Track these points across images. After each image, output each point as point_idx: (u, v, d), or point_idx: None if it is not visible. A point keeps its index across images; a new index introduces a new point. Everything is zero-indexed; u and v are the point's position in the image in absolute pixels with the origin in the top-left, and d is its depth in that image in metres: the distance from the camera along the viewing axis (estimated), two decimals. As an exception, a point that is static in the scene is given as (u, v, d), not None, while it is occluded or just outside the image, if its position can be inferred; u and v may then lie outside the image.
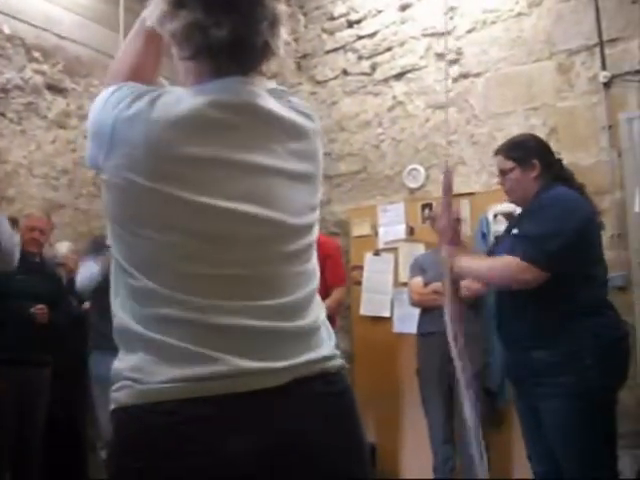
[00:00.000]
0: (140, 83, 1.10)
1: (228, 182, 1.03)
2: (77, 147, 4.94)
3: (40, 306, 3.83)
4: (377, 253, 4.86)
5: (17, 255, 3.48)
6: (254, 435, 0.95)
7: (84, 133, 4.98)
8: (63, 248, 4.48)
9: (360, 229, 4.89)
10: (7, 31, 4.56)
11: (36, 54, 4.76)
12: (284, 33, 1.12)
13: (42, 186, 4.73)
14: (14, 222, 4.11)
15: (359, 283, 4.82)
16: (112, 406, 1.02)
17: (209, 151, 1.02)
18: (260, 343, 1.01)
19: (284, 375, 1.00)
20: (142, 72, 1.17)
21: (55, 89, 4.88)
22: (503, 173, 2.70)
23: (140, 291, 1.01)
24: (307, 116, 1.16)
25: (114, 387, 1.02)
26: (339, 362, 1.11)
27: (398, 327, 4.65)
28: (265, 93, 1.12)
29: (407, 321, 4.52)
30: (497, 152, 2.77)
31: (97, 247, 3.85)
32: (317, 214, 1.17)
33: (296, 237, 1.09)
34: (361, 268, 4.83)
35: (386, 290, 4.75)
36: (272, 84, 1.21)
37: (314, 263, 1.15)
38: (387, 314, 4.71)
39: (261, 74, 1.14)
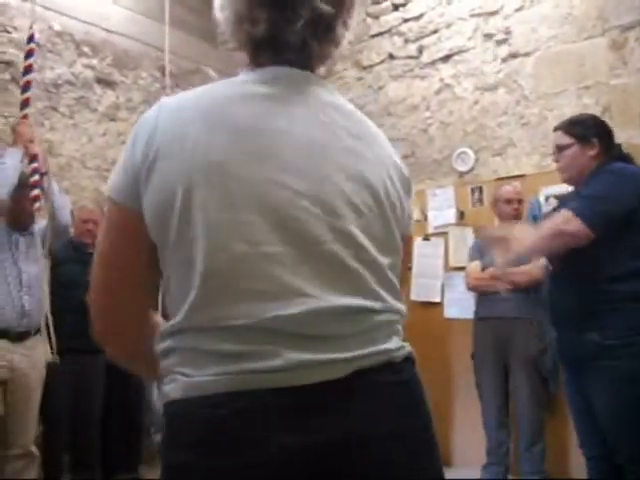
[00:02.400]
0: None
1: (277, 156, 0.99)
2: (127, 139, 5.01)
3: (95, 295, 3.91)
4: (427, 238, 4.82)
5: (69, 217, 3.59)
6: (309, 429, 0.90)
7: (134, 124, 5.07)
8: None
9: (409, 214, 4.85)
10: (57, 28, 4.66)
11: (85, 49, 4.85)
12: (339, 33, 1.08)
13: (94, 178, 4.83)
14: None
15: (409, 268, 4.79)
16: (163, 400, 0.99)
17: (253, 123, 1.00)
18: (317, 339, 0.94)
19: (344, 367, 0.94)
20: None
21: (104, 82, 4.97)
22: (560, 149, 2.64)
23: (185, 288, 0.97)
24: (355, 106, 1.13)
25: (164, 381, 0.99)
26: (406, 351, 1.05)
27: (449, 312, 4.62)
28: (309, 78, 1.09)
29: (458, 306, 4.50)
30: (556, 128, 2.71)
31: None
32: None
33: (353, 219, 1.01)
34: (411, 253, 4.80)
35: (436, 275, 4.71)
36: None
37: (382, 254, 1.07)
38: (437, 299, 4.68)
39: (311, 69, 1.11)
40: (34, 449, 3.44)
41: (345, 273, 0.98)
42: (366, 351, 0.96)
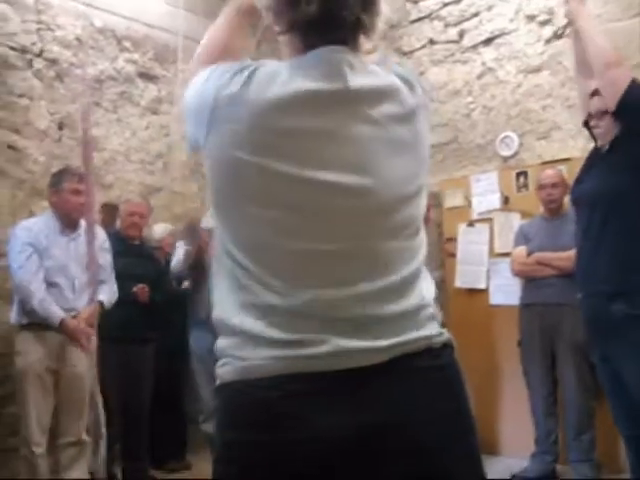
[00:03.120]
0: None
1: (327, 153, 1.01)
2: (170, 132, 5.07)
3: (141, 285, 3.98)
4: (471, 224, 4.76)
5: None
6: (350, 413, 0.95)
7: (176, 118, 5.13)
8: (160, 230, 4.63)
9: (453, 200, 4.80)
10: (98, 24, 4.72)
11: (127, 44, 4.91)
12: (384, 9, 1.10)
13: (138, 171, 4.90)
14: (114, 208, 4.29)
15: (453, 255, 4.74)
16: (217, 382, 1.04)
17: (307, 123, 1.01)
18: (363, 326, 0.99)
19: (386, 353, 0.99)
20: (232, 52, 1.17)
21: (146, 77, 5.03)
22: (599, 115, 2.57)
23: (241, 272, 1.02)
24: (408, 83, 1.11)
25: (218, 364, 1.04)
26: (445, 337, 1.07)
27: (494, 299, 4.56)
28: (359, 61, 1.09)
29: (504, 292, 4.44)
30: (595, 92, 2.63)
31: (192, 231, 3.95)
32: (423, 184, 1.11)
33: (400, 209, 1.05)
34: (455, 240, 4.76)
35: (481, 261, 4.66)
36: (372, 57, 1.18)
37: (421, 238, 1.10)
38: (483, 286, 4.63)
39: (357, 50, 1.11)
40: (86, 437, 3.52)
41: (389, 265, 1.03)
42: (407, 337, 1.01)
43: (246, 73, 1.03)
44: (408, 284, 1.05)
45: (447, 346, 1.07)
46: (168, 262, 4.39)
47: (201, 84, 1.08)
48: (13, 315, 3.45)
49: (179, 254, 4.07)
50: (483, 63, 4.92)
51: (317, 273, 1.00)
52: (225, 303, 1.05)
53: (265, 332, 0.98)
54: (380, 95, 1.07)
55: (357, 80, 1.06)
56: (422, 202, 1.11)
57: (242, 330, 1.00)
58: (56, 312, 3.31)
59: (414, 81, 1.13)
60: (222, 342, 1.04)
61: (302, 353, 0.96)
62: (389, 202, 1.04)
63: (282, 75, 1.04)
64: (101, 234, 3.64)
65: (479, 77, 4.94)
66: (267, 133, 1.00)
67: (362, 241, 1.02)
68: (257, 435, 0.97)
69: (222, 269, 1.07)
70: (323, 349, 0.96)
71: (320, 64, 1.05)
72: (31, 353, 3.31)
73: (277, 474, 0.96)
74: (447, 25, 5.13)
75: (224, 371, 1.02)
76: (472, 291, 4.62)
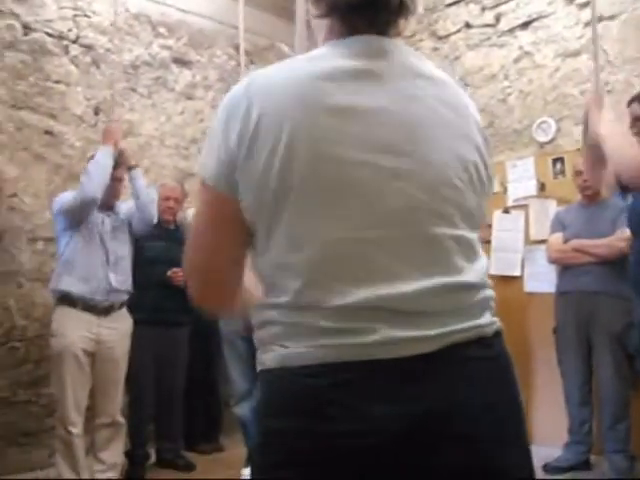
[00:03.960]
0: None
1: (369, 134, 0.97)
2: (204, 117, 5.10)
3: (175, 269, 4.02)
4: (506, 211, 4.71)
5: (155, 211, 3.69)
6: (400, 402, 0.92)
7: (210, 103, 5.14)
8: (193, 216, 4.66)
9: (488, 187, 4.74)
10: (133, 10, 4.75)
11: (161, 30, 4.93)
12: None
13: (173, 156, 4.93)
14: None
15: (488, 242, 4.70)
16: (259, 368, 1.02)
17: (349, 102, 0.98)
18: (412, 316, 0.96)
19: (437, 341, 0.95)
20: None
21: (181, 62, 5.04)
22: (638, 120, 2.53)
23: (281, 264, 0.99)
24: (448, 73, 1.10)
25: (260, 350, 1.02)
26: (496, 326, 1.05)
27: (530, 286, 4.51)
28: (401, 47, 1.06)
29: (539, 280, 4.39)
30: (633, 100, 2.59)
31: None
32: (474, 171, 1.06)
33: (449, 193, 1.01)
34: (490, 227, 4.71)
35: (516, 248, 4.61)
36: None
37: (477, 228, 1.06)
38: (518, 273, 4.58)
39: (398, 34, 1.08)
40: (121, 418, 3.59)
41: (441, 252, 0.99)
42: (459, 327, 0.98)
43: (244, 102, 0.99)
44: (462, 271, 1.01)
45: (498, 335, 1.05)
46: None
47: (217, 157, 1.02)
48: (52, 282, 3.52)
49: None
50: (520, 47, 4.84)
51: (362, 260, 0.96)
52: (267, 292, 1.02)
53: (310, 322, 0.95)
54: (426, 77, 1.05)
55: (403, 59, 1.03)
56: (475, 197, 1.05)
57: (283, 321, 0.98)
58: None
59: (454, 76, 1.12)
60: (264, 330, 1.02)
61: (350, 341, 0.93)
62: (436, 185, 0.99)
63: (318, 57, 1.01)
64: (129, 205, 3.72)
65: (516, 61, 4.86)
66: (308, 114, 0.97)
67: (411, 227, 0.98)
68: (302, 423, 0.94)
69: (264, 257, 1.02)
70: (372, 338, 0.93)
71: (362, 44, 1.03)
72: (67, 335, 3.37)
73: (321, 464, 0.93)
74: (483, 8, 5.05)
75: (267, 357, 0.99)
76: (507, 278, 4.58)
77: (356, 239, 0.96)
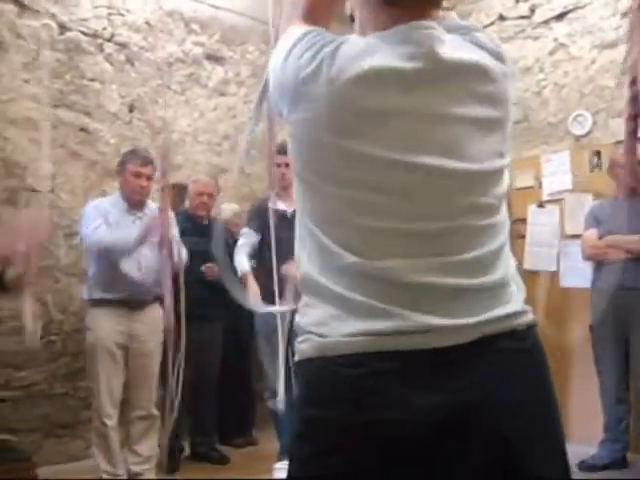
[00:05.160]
0: (316, 25, 1.09)
1: (410, 134, 0.99)
2: (237, 113, 5.12)
3: (209, 264, 4.05)
4: (541, 205, 4.65)
5: (183, 264, 3.69)
6: (438, 392, 0.94)
7: (243, 99, 5.16)
8: (228, 211, 4.69)
9: (523, 180, 4.68)
10: (167, 7, 4.78)
11: (194, 26, 4.96)
12: None
13: (206, 152, 4.96)
14: (183, 188, 4.36)
15: (522, 237, 4.64)
16: (297, 358, 1.04)
17: (391, 103, 0.99)
18: (446, 300, 0.97)
19: (471, 332, 0.96)
20: (319, 14, 1.14)
21: (213, 59, 5.07)
22: None
23: (324, 247, 1.01)
24: (496, 55, 1.07)
25: (299, 339, 1.04)
26: (530, 318, 1.05)
27: (566, 281, 4.45)
28: (447, 36, 1.05)
29: (575, 275, 4.32)
30: None
31: (256, 215, 3.95)
32: (506, 162, 1.08)
33: (483, 187, 1.03)
34: (524, 221, 4.65)
35: (552, 243, 4.55)
36: (456, 20, 1.15)
37: (504, 215, 1.08)
38: (553, 268, 4.52)
39: (438, 11, 1.08)
40: (155, 411, 3.63)
41: (474, 239, 1.01)
42: (491, 315, 0.98)
43: (328, 52, 1.01)
44: (491, 260, 1.02)
45: (532, 327, 1.04)
46: (235, 242, 4.45)
47: (284, 56, 1.05)
48: (84, 292, 3.57)
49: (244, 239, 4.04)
50: (555, 39, 4.76)
51: (397, 249, 0.98)
52: (306, 273, 1.05)
53: (346, 298, 0.97)
54: (470, 72, 1.04)
55: (447, 58, 1.02)
56: (505, 180, 1.08)
57: (327, 293, 1.00)
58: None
59: (503, 53, 1.09)
60: (302, 319, 1.04)
61: (385, 329, 0.94)
62: (474, 183, 1.02)
63: (366, 53, 1.01)
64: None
65: (551, 53, 4.79)
66: (348, 113, 0.98)
67: (445, 221, 1.00)
68: (341, 413, 0.95)
69: (304, 239, 1.06)
70: (408, 325, 0.94)
71: (408, 41, 1.02)
72: (102, 329, 3.42)
73: (361, 452, 0.94)
74: (518, 0, 4.98)
75: (305, 347, 1.01)
76: (541, 273, 4.52)
77: (393, 230, 0.98)
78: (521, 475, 0.95)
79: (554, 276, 4.50)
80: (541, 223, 4.61)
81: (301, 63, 1.01)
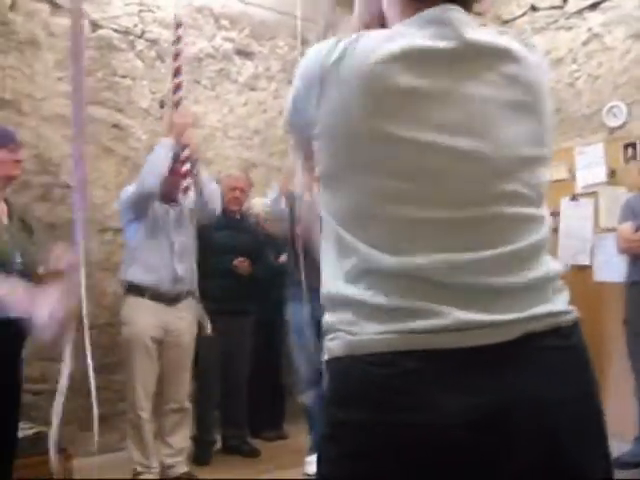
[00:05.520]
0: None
1: (442, 114, 0.96)
2: (267, 108, 5.13)
3: (241, 259, 4.08)
4: (575, 198, 4.59)
5: (218, 206, 3.73)
6: (475, 393, 0.89)
7: (273, 94, 5.17)
8: (259, 205, 4.71)
9: (556, 173, 4.62)
10: (196, 3, 4.80)
11: (224, 22, 4.98)
12: None
13: (237, 147, 4.99)
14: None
15: (555, 230, 4.59)
16: (326, 356, 1.00)
17: (420, 83, 0.96)
18: (484, 296, 0.93)
19: (512, 330, 0.91)
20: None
21: (243, 54, 5.09)
22: None
23: (350, 245, 0.98)
24: (526, 44, 1.06)
25: (328, 337, 1.00)
26: (574, 315, 1.01)
27: (599, 275, 4.39)
28: (474, 21, 1.04)
29: (610, 269, 4.26)
30: None
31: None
32: (545, 152, 1.04)
33: (519, 174, 0.99)
34: (557, 214, 4.60)
35: (585, 237, 4.48)
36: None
37: (543, 209, 1.03)
38: (587, 262, 4.46)
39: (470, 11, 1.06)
40: (188, 404, 3.67)
41: (512, 229, 0.97)
42: (534, 312, 0.94)
43: (350, 40, 1.00)
44: (531, 254, 0.98)
45: (576, 325, 1.01)
46: (267, 237, 4.47)
47: (310, 55, 1.06)
48: (121, 272, 3.63)
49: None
50: (589, 29, 4.68)
51: (430, 241, 0.94)
52: (333, 275, 1.01)
53: (377, 301, 0.93)
54: (499, 54, 1.01)
55: (474, 38, 1.00)
56: (544, 172, 1.04)
57: (352, 301, 0.96)
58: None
59: (533, 43, 1.08)
60: (331, 315, 1.00)
61: (417, 327, 0.90)
62: (506, 167, 0.98)
63: (394, 35, 1.00)
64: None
65: (584, 44, 4.72)
66: (380, 94, 0.96)
67: (479, 207, 0.96)
68: (370, 415, 0.91)
69: (330, 241, 1.03)
70: (441, 323, 0.90)
71: (433, 22, 1.00)
72: (137, 323, 3.47)
73: (391, 456, 0.90)
74: (550, -10, 4.91)
75: (334, 345, 0.97)
76: (575, 267, 4.46)
77: (425, 219, 0.94)
78: (564, 475, 0.92)
79: (588, 270, 4.44)
80: (575, 216, 4.55)
81: (325, 52, 1.01)
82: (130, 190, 3.53)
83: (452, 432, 0.88)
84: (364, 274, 0.96)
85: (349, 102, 0.97)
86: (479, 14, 1.20)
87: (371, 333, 0.92)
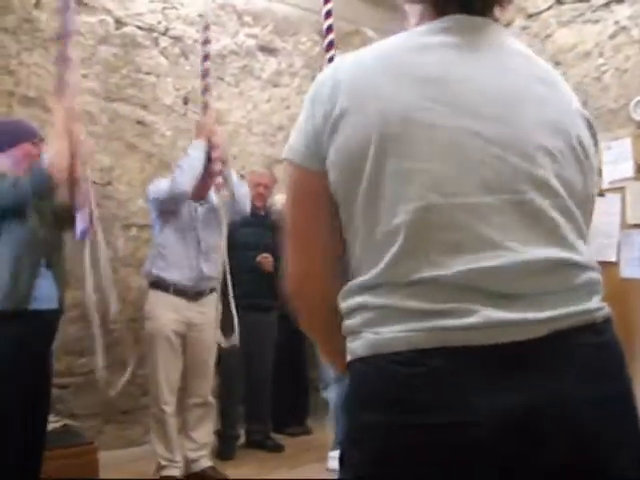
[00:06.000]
0: None
1: (463, 101, 0.95)
2: (291, 104, 5.13)
3: (265, 255, 4.09)
4: (601, 194, 4.52)
5: (248, 204, 3.75)
6: (502, 392, 0.85)
7: (296, 90, 5.17)
8: (281, 202, 4.71)
9: (581, 168, 4.57)
10: (219, 0, 4.82)
11: (247, 19, 4.99)
12: None
13: (261, 143, 5.00)
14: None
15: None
16: (348, 357, 0.97)
17: (438, 71, 0.96)
18: (514, 291, 0.89)
19: (543, 326, 0.88)
20: None
21: (267, 50, 5.09)
22: None
23: (371, 237, 0.95)
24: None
25: (349, 338, 0.97)
26: (606, 311, 0.97)
27: (626, 272, 4.33)
28: (493, 26, 1.03)
29: (637, 266, 4.21)
30: None
31: None
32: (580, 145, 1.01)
33: (547, 164, 0.95)
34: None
35: (612, 233, 4.42)
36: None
37: (583, 203, 1.00)
38: (613, 258, 4.40)
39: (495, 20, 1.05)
40: (212, 399, 3.69)
41: (544, 224, 0.93)
42: (566, 311, 0.90)
43: (332, 72, 1.01)
44: (567, 248, 0.94)
45: (608, 321, 0.97)
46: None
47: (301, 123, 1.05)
48: (146, 265, 3.66)
49: None
50: (616, 22, 4.61)
51: (461, 230, 0.90)
52: (356, 273, 0.98)
53: (402, 303, 0.90)
54: (519, 54, 1.02)
55: (495, 36, 1.01)
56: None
57: (375, 304, 0.93)
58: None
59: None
60: (353, 318, 0.96)
61: (446, 324, 0.87)
62: (533, 153, 0.94)
63: (407, 34, 1.00)
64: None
65: (612, 37, 4.65)
66: (409, 83, 0.95)
67: (511, 194, 0.92)
68: (395, 416, 0.87)
69: (353, 240, 1.00)
70: (471, 320, 0.86)
71: (453, 23, 1.01)
72: (159, 317, 3.49)
73: (417, 460, 0.86)
74: (576, -17, 4.85)
75: (356, 345, 0.94)
76: (601, 264, 4.39)
77: (449, 204, 0.91)
78: (600, 475, 0.88)
79: (614, 266, 4.38)
80: (601, 212, 4.48)
81: (315, 113, 1.01)
82: (161, 187, 3.55)
83: (480, 433, 0.84)
84: (390, 274, 0.93)
85: (372, 88, 0.96)
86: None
87: (395, 331, 0.89)
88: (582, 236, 0.98)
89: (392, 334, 0.89)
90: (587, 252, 0.98)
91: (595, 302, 0.95)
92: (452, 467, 0.85)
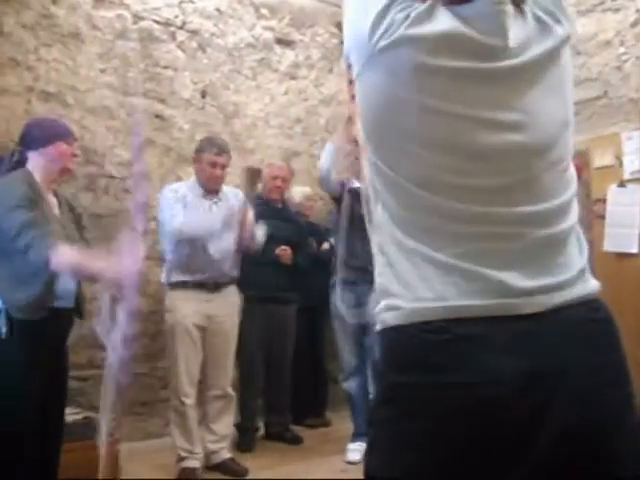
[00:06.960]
0: None
1: (486, 92, 1.00)
2: (308, 96, 5.12)
3: (283, 247, 4.09)
4: (622, 184, 4.48)
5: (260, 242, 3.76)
6: (517, 356, 0.95)
7: (314, 82, 5.16)
8: (299, 194, 4.72)
9: (602, 159, 4.51)
10: (235, -7, 4.82)
11: (264, 11, 4.98)
12: None
13: (278, 136, 5.00)
14: (257, 173, 4.40)
15: (602, 217, 4.49)
16: (379, 327, 1.06)
17: (464, 63, 0.99)
18: (532, 256, 1.00)
19: (549, 300, 0.99)
20: None
21: (284, 43, 5.09)
22: None
23: (404, 206, 1.04)
24: (553, 15, 1.08)
25: (380, 307, 1.06)
26: (597, 289, 1.06)
27: (647, 264, 4.28)
28: (514, 10, 1.04)
29: (658, 257, 4.16)
30: None
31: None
32: (570, 121, 1.08)
33: (552, 147, 1.04)
34: (604, 201, 4.50)
35: (633, 224, 4.38)
36: None
37: (571, 174, 1.09)
38: (634, 250, 4.36)
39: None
40: (231, 391, 3.70)
41: (554, 193, 1.03)
42: (564, 279, 1.01)
43: (403, 6, 1.01)
44: (564, 210, 1.05)
45: (600, 300, 1.06)
46: (309, 225, 4.47)
47: (355, 12, 1.07)
48: (163, 276, 3.67)
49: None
50: (637, 10, 4.55)
51: (480, 204, 1.00)
52: (385, 249, 1.07)
53: (430, 271, 1.00)
54: (533, 42, 1.04)
55: (516, 35, 1.02)
56: (571, 139, 1.08)
57: (405, 257, 1.02)
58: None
59: (558, 13, 1.09)
60: (382, 279, 1.06)
61: (469, 291, 0.98)
62: (543, 141, 1.03)
63: (441, 15, 1.01)
64: (237, 194, 3.76)
65: (633, 25, 4.58)
66: (425, 71, 0.99)
67: (520, 176, 1.01)
68: (426, 376, 0.98)
69: (381, 203, 1.08)
70: (493, 289, 0.97)
71: (480, 14, 1.01)
72: (180, 310, 3.51)
73: (446, 414, 0.96)
74: (597, -29, 4.79)
75: (387, 316, 1.03)
76: (622, 255, 4.37)
77: (461, 185, 1.00)
78: (601, 438, 0.97)
79: (635, 258, 4.34)
80: (622, 203, 4.44)
81: (376, 19, 1.02)
82: (170, 229, 3.55)
83: (499, 391, 0.94)
84: (416, 235, 1.02)
85: (396, 75, 1.00)
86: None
87: (425, 300, 0.99)
88: (573, 201, 1.08)
89: (421, 304, 1.00)
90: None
91: (589, 280, 1.06)
92: (477, 418, 0.95)
